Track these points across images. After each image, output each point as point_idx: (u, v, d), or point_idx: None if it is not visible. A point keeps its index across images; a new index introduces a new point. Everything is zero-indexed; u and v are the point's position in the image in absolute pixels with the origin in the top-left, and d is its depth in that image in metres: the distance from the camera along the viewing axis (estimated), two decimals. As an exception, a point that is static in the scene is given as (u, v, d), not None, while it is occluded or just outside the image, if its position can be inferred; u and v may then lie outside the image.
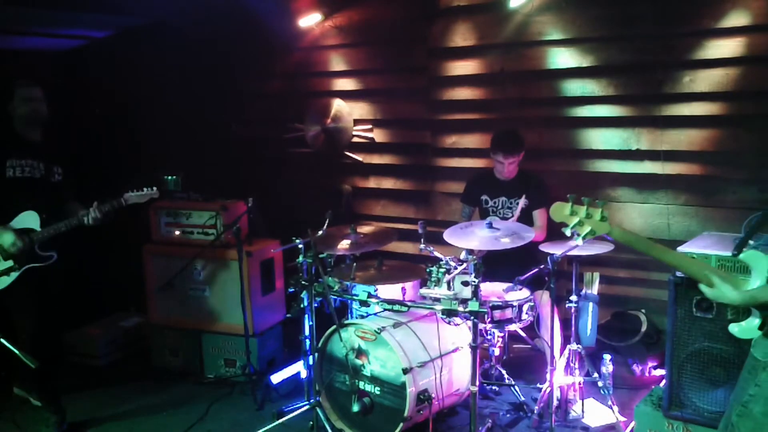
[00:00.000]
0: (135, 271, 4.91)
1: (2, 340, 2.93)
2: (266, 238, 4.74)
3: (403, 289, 3.76)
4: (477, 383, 3.35)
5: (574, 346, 3.82)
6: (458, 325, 3.67)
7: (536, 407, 3.80)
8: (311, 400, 3.80)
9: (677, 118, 4.10)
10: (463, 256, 3.52)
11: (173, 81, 5.59)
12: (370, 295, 3.72)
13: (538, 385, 3.88)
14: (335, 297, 3.78)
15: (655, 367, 4.20)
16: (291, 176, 5.73)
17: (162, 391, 4.47)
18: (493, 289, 3.88)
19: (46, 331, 3.74)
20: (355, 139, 5.37)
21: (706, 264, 2.43)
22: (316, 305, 3.78)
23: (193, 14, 5.02)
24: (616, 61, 4.22)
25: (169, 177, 4.84)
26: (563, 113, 4.49)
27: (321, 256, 3.76)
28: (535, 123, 4.56)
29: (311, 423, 3.71)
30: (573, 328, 3.81)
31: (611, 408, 3.72)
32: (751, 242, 2.41)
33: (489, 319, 3.64)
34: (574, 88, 4.40)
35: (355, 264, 3.95)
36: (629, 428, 3.61)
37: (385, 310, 3.76)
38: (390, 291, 3.75)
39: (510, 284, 3.71)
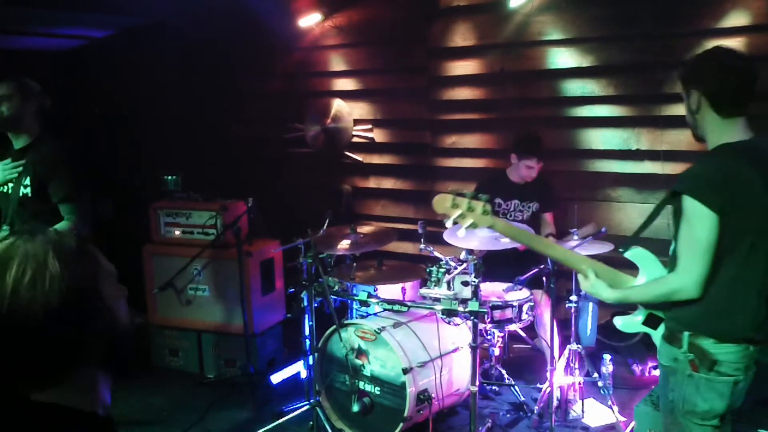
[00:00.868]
0: (135, 271, 4.90)
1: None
2: (266, 238, 4.73)
3: (403, 289, 3.76)
4: (477, 383, 3.35)
5: (574, 346, 3.81)
6: (458, 325, 3.67)
7: (536, 407, 3.80)
8: (311, 400, 3.79)
9: (677, 118, 4.08)
10: (463, 256, 3.52)
11: (173, 81, 5.58)
12: (370, 295, 3.72)
13: (538, 385, 3.88)
14: (335, 297, 3.77)
15: (655, 367, 4.19)
16: (291, 176, 5.73)
17: (162, 391, 4.47)
18: (493, 289, 3.87)
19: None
20: (355, 139, 5.37)
21: (585, 258, 2.43)
22: (316, 305, 3.78)
23: (193, 14, 5.02)
24: (616, 61, 4.22)
25: (169, 177, 4.84)
26: (563, 113, 4.49)
27: (321, 256, 3.75)
28: (535, 123, 4.55)
29: (311, 423, 3.71)
30: (573, 328, 3.81)
31: (611, 408, 3.71)
32: None
33: (489, 319, 3.64)
34: (574, 88, 4.40)
35: (355, 264, 3.96)
36: (629, 428, 3.60)
37: (385, 310, 3.76)
38: (390, 291, 3.75)
39: (510, 284, 3.70)
